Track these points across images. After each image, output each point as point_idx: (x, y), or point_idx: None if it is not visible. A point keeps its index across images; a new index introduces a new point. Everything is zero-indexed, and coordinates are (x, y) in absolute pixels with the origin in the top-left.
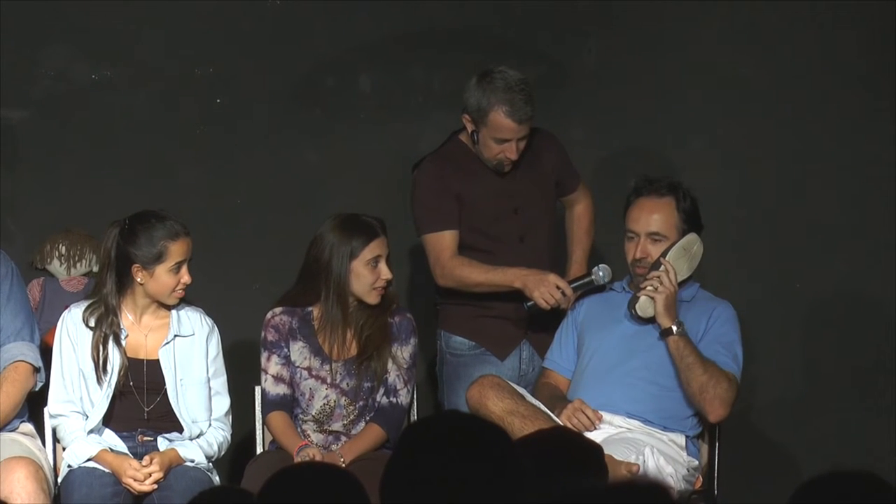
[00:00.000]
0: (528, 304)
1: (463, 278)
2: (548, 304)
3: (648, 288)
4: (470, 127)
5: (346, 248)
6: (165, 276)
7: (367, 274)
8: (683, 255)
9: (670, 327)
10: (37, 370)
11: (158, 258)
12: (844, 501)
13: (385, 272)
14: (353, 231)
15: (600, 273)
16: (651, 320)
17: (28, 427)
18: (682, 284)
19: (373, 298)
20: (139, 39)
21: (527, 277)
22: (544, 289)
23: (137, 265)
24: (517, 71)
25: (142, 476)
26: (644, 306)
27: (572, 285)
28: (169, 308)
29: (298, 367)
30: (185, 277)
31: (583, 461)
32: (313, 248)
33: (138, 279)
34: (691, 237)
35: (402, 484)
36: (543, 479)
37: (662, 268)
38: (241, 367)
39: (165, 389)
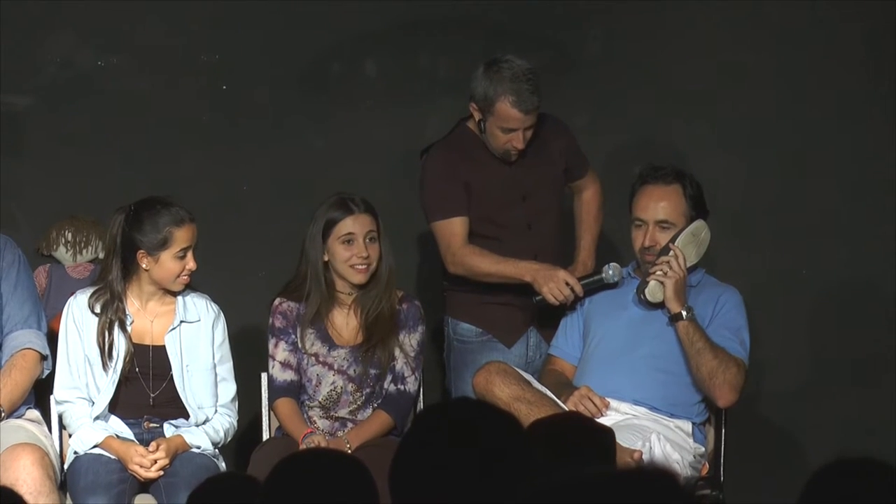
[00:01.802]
0: (537, 298)
1: (473, 267)
2: (556, 301)
3: (658, 273)
4: (477, 116)
5: (321, 224)
6: (170, 263)
7: (342, 251)
8: (692, 241)
9: (680, 312)
10: (44, 358)
11: (163, 244)
12: (862, 489)
13: (360, 249)
14: (328, 209)
15: (610, 272)
16: (660, 305)
17: (34, 413)
18: (689, 270)
19: (355, 277)
20: (144, 26)
21: (537, 272)
22: (553, 284)
23: (142, 251)
24: (524, 60)
25: (148, 462)
26: (653, 291)
27: (582, 282)
28: (174, 294)
29: (305, 353)
30: (191, 264)
31: (591, 445)
32: (306, 235)
33: (143, 265)
34: (699, 223)
35: (413, 470)
36: (553, 463)
37: (672, 253)
38: (246, 354)
39: (171, 375)
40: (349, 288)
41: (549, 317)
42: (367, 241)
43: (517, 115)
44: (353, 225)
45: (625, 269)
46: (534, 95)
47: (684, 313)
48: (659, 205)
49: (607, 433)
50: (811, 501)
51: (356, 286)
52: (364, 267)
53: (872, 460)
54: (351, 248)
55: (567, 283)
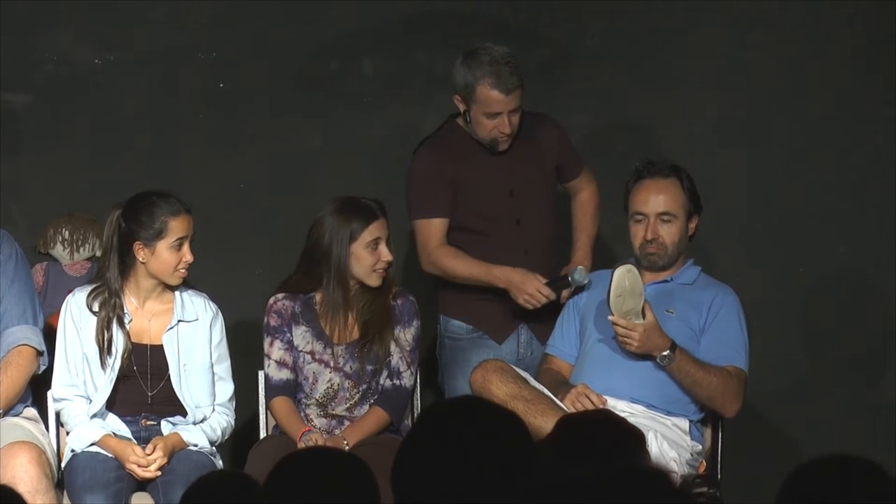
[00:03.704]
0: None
1: (447, 269)
2: (532, 308)
3: (627, 345)
4: (462, 107)
5: (346, 231)
6: (167, 253)
7: (368, 256)
8: (625, 295)
9: (663, 355)
10: (40, 354)
11: (159, 234)
12: (839, 485)
13: (385, 254)
14: (351, 214)
15: (576, 275)
16: None
17: (31, 412)
18: (676, 269)
19: (374, 280)
20: (142, 23)
21: (510, 281)
22: (528, 295)
23: (139, 242)
24: (504, 46)
25: (145, 462)
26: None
27: (551, 285)
28: (172, 290)
29: (301, 351)
30: (188, 255)
31: (621, 445)
32: (313, 233)
33: (140, 258)
34: (617, 276)
35: (416, 468)
36: (576, 460)
37: (615, 327)
38: (243, 352)
39: (169, 374)
40: (355, 288)
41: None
42: (388, 244)
43: (498, 96)
44: (378, 230)
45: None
46: (513, 76)
47: (666, 355)
48: (659, 197)
49: (638, 435)
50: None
51: (359, 285)
52: (384, 270)
53: (850, 457)
54: (376, 254)
55: (540, 291)
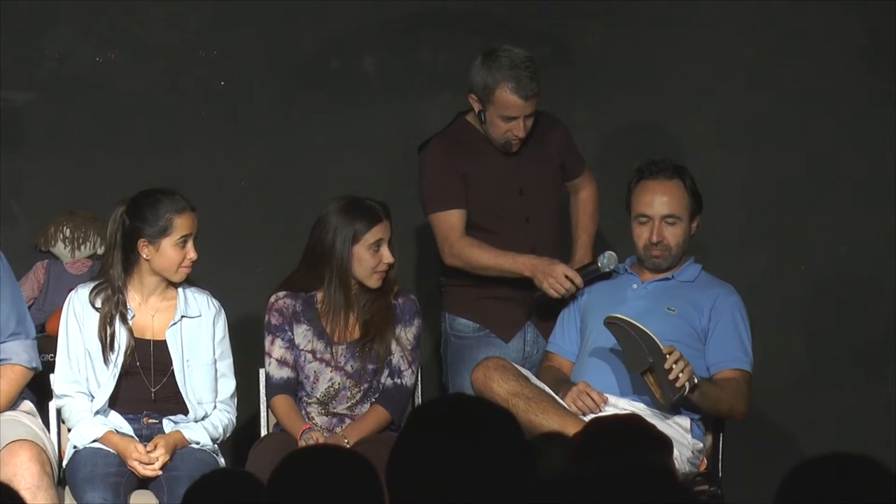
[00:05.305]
0: (537, 293)
1: (471, 259)
2: (558, 294)
3: (685, 381)
4: (477, 107)
5: (349, 231)
6: (171, 251)
7: (369, 258)
8: (637, 345)
9: (694, 383)
10: (32, 370)
11: (164, 231)
12: (838, 482)
13: (387, 256)
14: (356, 215)
15: (605, 260)
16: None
17: (28, 405)
18: (677, 267)
19: (374, 282)
20: (143, 22)
21: (536, 267)
22: (553, 279)
23: (143, 240)
24: (522, 49)
25: (147, 460)
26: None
27: (580, 271)
28: (176, 287)
29: (302, 349)
30: (192, 253)
31: (648, 449)
32: (316, 231)
33: (144, 255)
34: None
35: (409, 466)
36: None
37: (670, 360)
38: (244, 350)
39: (172, 370)
40: (356, 288)
41: (549, 311)
42: (390, 246)
43: (517, 101)
44: (381, 232)
45: (622, 264)
46: (533, 82)
47: (697, 382)
48: (663, 199)
49: (665, 443)
50: (787, 500)
51: (360, 285)
52: (384, 272)
53: (849, 454)
54: (377, 256)
55: (566, 276)
